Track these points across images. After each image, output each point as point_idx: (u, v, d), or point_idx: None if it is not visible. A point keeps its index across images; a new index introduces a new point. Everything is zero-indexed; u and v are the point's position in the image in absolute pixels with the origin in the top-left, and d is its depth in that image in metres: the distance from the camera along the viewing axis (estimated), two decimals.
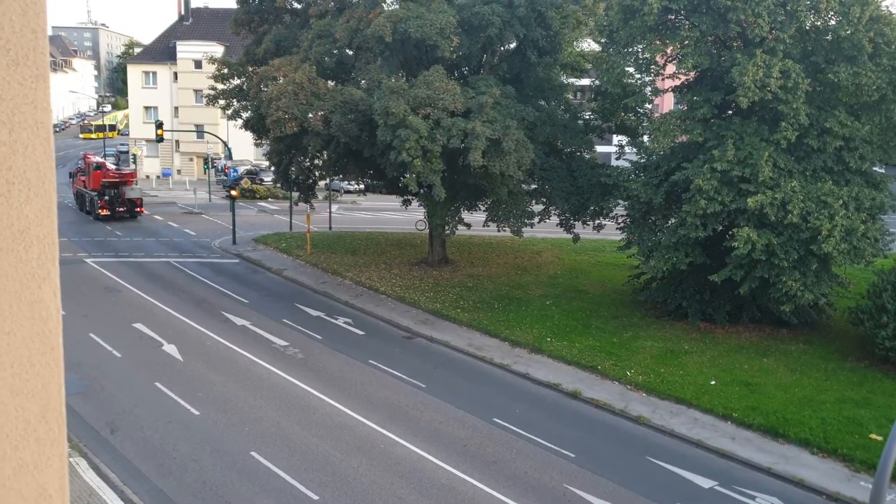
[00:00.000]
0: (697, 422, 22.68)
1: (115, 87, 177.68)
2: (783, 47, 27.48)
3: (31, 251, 1.48)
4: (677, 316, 31.21)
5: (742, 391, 24.51)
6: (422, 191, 34.01)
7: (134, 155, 70.71)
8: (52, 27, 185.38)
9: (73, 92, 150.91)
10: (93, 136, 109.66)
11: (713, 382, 25.15)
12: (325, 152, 37.18)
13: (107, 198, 52.04)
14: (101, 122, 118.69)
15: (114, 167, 57.94)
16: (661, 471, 20.03)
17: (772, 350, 28.42)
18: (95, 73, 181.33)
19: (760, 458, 20.51)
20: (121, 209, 52.26)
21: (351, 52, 36.26)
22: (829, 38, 28.65)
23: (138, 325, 29.76)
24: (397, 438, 21.17)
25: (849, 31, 27.04)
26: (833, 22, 28.60)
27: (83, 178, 54.40)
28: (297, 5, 39.41)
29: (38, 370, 1.52)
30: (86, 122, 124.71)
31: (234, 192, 48.25)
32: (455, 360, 27.90)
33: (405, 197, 40.99)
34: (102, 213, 51.89)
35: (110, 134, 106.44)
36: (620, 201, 34.46)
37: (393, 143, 29.69)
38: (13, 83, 1.44)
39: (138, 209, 53.13)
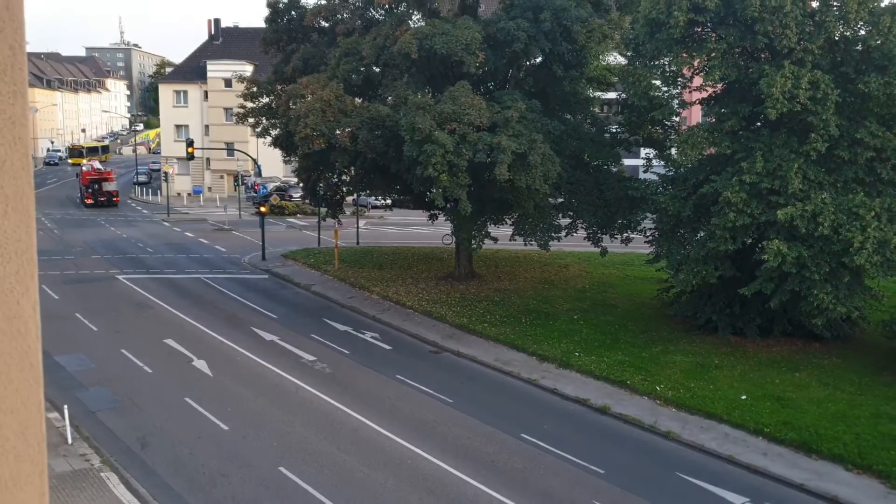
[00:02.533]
0: (728, 437, 22.38)
1: (147, 106, 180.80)
2: (812, 58, 27.24)
3: (8, 266, 1.47)
4: (707, 330, 30.88)
5: (774, 406, 24.16)
6: (448, 205, 34.09)
7: (165, 173, 71.82)
8: (86, 48, 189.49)
9: (106, 112, 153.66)
10: (83, 160, 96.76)
11: (744, 397, 24.82)
12: (353, 168, 37.47)
13: (90, 190, 68.30)
14: (93, 145, 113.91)
15: (99, 168, 74.34)
16: (692, 487, 19.78)
17: (804, 364, 27.99)
18: (128, 92, 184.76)
19: (793, 475, 20.19)
20: (101, 199, 68.20)
21: (378, 69, 36.58)
22: (858, 48, 28.35)
23: (169, 341, 30.09)
24: (425, 454, 21.14)
25: (879, 41, 26.75)
26: (863, 32, 28.30)
27: (80, 177, 71.79)
28: (324, 24, 39.84)
29: (17, 386, 1.49)
30: (74, 144, 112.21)
31: (262, 209, 48.74)
32: (482, 374, 27.83)
33: (432, 211, 41.12)
34: (88, 202, 68.08)
35: (103, 157, 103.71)
36: (648, 214, 34.29)
37: (419, 158, 29.83)
38: None
39: (115, 199, 69.54)
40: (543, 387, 26.39)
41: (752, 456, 21.20)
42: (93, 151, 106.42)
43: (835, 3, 27.41)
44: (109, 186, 69.66)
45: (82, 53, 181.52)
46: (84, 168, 73.50)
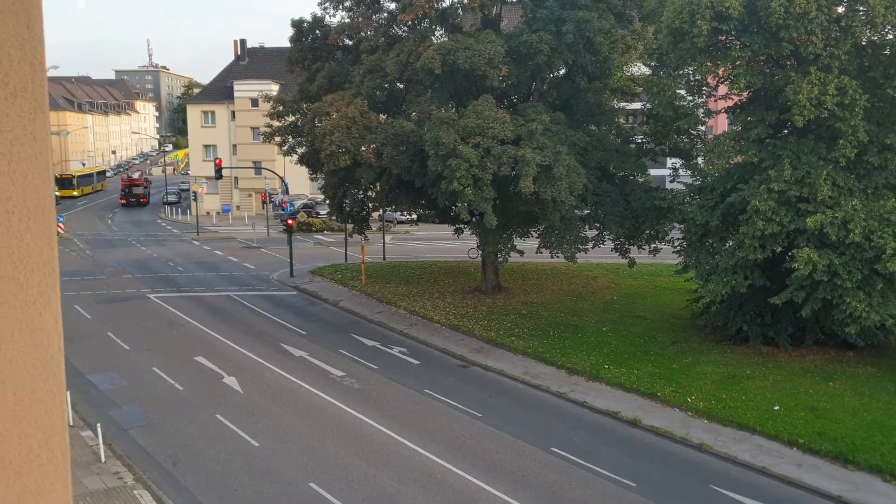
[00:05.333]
0: (762, 448, 22.07)
1: (175, 126, 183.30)
2: (838, 64, 26.96)
3: (31, 279, 1.51)
4: (738, 340, 30.53)
5: (808, 416, 23.79)
6: (473, 219, 34.12)
7: (194, 192, 72.69)
8: (115, 71, 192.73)
9: (136, 133, 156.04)
10: (75, 192, 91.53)
11: (777, 408, 24.47)
12: (378, 184, 37.67)
13: (123, 192, 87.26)
14: (84, 173, 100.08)
15: (135, 176, 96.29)
16: (725, 500, 19.51)
17: (838, 373, 27.54)
18: (157, 114, 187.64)
19: (829, 486, 19.84)
20: (132, 199, 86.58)
21: (401, 86, 36.82)
22: (886, 52, 28.02)
23: (200, 358, 30.36)
24: (454, 468, 21.09)
25: None
26: (890, 36, 27.99)
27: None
28: (348, 42, 40.18)
29: (41, 396, 1.53)
30: (62, 174, 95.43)
31: (290, 221, 49.05)
32: (511, 388, 27.73)
33: (457, 225, 41.17)
34: (121, 202, 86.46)
35: (98, 186, 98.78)
36: (676, 224, 34.04)
37: (444, 172, 29.92)
38: (11, 115, 1.47)
39: (142, 200, 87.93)
40: (573, 400, 26.23)
41: (787, 467, 20.89)
42: (86, 179, 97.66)
43: (861, 8, 27.10)
44: (138, 190, 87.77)
45: (111, 76, 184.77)
46: (122, 177, 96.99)
